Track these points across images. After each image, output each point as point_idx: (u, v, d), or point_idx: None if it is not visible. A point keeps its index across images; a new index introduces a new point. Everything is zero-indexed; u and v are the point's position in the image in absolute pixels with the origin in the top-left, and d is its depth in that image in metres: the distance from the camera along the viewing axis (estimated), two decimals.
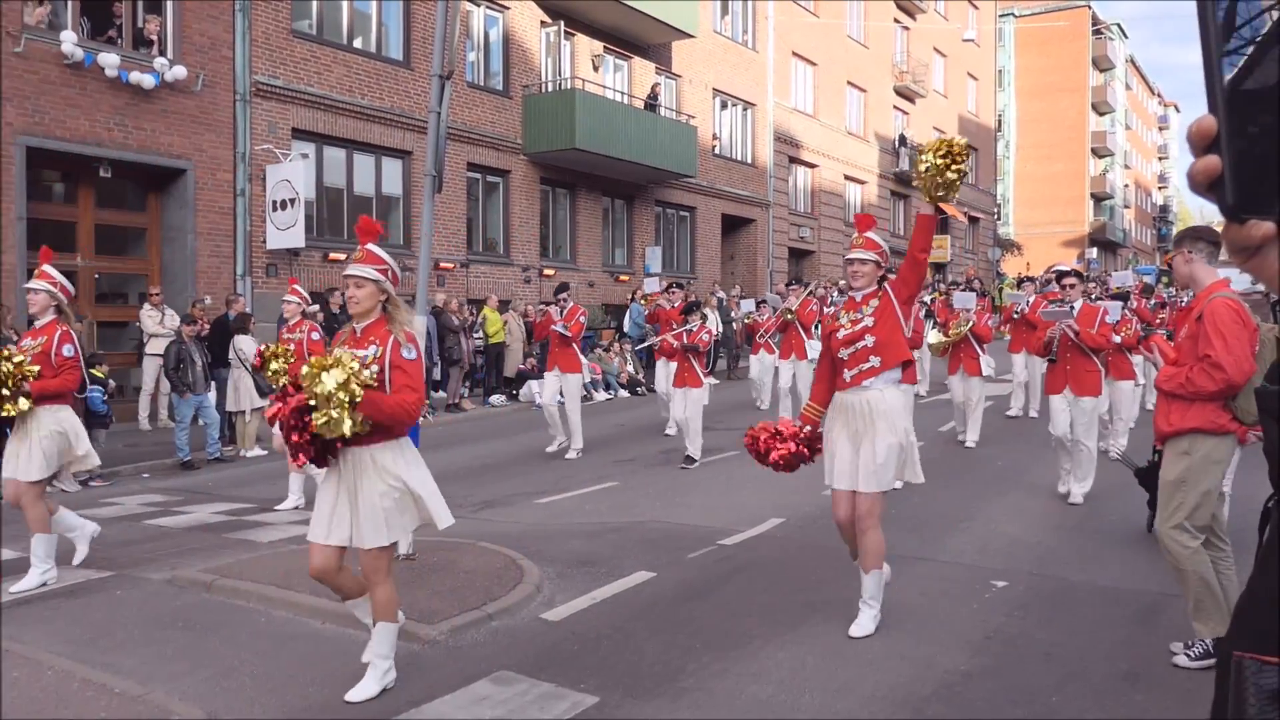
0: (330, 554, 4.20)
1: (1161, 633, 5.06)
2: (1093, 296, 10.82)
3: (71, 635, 5.16)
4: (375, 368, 4.07)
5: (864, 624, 4.93)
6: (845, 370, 4.92)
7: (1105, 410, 9.25)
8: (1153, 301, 14.99)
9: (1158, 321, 12.74)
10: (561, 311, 11.31)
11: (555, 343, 11.28)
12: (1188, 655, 4.47)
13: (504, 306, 17.66)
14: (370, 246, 4.34)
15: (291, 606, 5.49)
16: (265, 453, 11.63)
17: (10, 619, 5.36)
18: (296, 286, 9.17)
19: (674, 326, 10.87)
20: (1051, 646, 4.80)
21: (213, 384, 11.57)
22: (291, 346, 8.04)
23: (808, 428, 5.10)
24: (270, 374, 6.50)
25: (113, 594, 5.97)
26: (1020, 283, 16.29)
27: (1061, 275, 8.84)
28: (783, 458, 5.05)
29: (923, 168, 4.79)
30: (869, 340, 4.84)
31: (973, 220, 42.13)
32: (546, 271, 20.68)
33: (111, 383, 11.48)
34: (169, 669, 4.61)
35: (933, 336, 10.89)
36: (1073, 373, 7.92)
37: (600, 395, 17.03)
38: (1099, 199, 63.26)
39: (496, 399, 16.58)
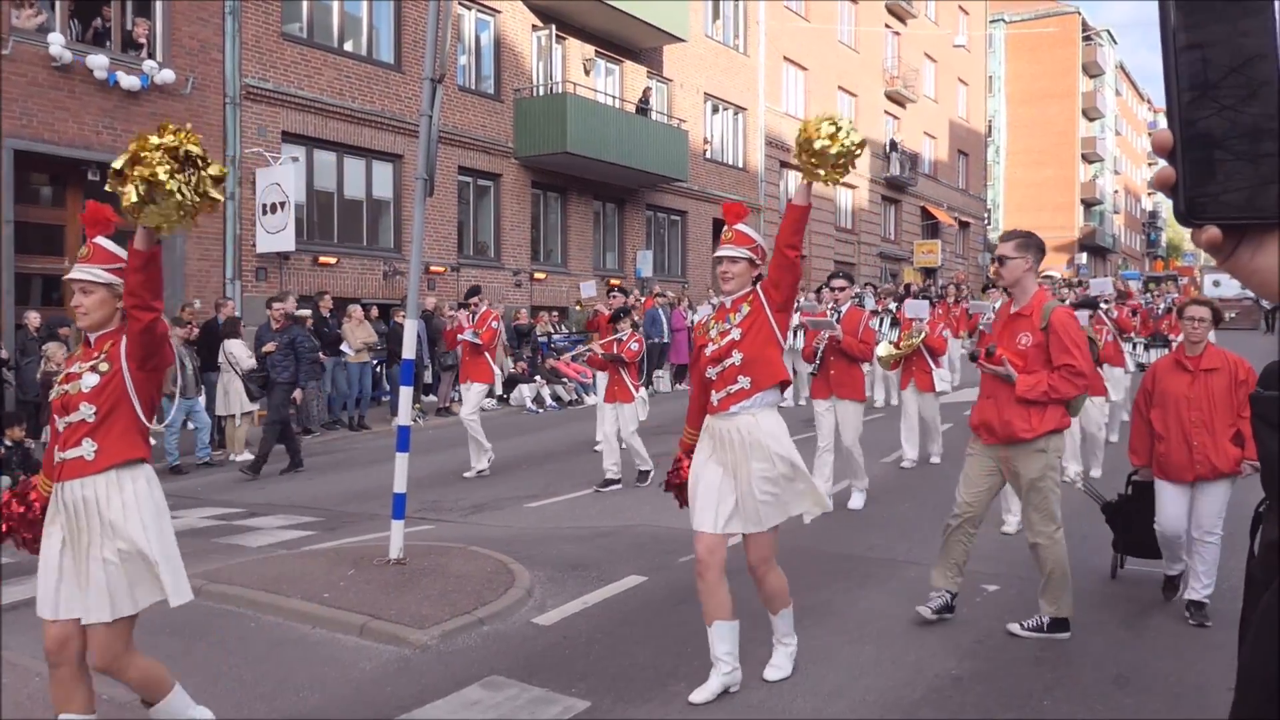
0: (63, 630, 3.36)
1: (1151, 636, 5.09)
2: (1065, 301, 10.52)
3: None
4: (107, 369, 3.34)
5: (782, 665, 4.43)
6: (714, 392, 4.24)
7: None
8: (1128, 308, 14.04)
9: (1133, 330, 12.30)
10: (473, 317, 10.47)
11: (466, 351, 10.36)
12: (1021, 625, 5.01)
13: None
14: (100, 241, 3.48)
15: (281, 611, 5.46)
16: (254, 457, 11.58)
17: None
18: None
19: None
20: (1041, 650, 4.81)
21: (203, 388, 11.53)
22: None
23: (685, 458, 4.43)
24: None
25: None
26: (986, 288, 15.69)
27: (831, 278, 8.65)
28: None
29: (818, 143, 3.97)
30: (735, 358, 4.13)
31: (963, 225, 42.28)
32: (537, 275, 20.66)
33: None
34: None
35: (882, 348, 9.91)
36: (836, 379, 7.87)
37: (590, 399, 17.02)
38: (1089, 204, 63.52)
39: (487, 403, 16.54)
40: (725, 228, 4.45)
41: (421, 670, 4.67)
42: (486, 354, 10.35)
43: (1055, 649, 4.83)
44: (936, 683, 4.44)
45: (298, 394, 11.38)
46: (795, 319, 9.87)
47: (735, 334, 4.19)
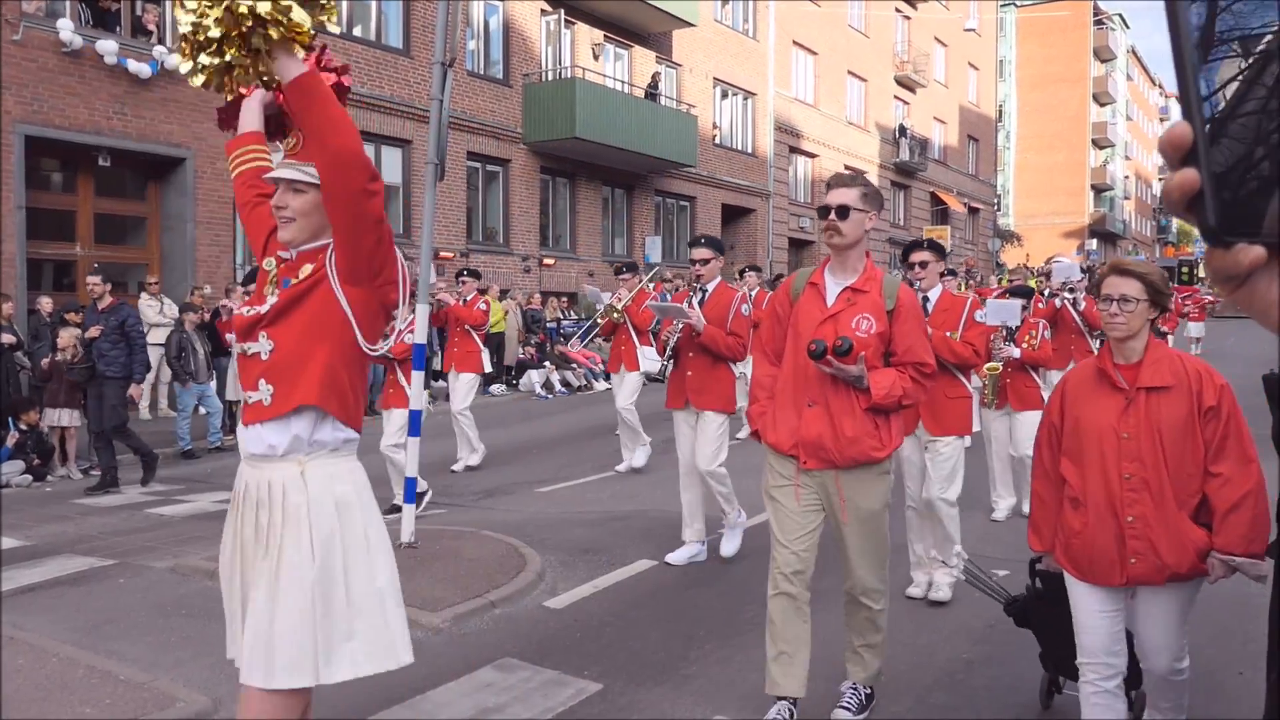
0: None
1: None
2: (1048, 294, 9.23)
3: (75, 623, 5.16)
4: None
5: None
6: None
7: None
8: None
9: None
10: (463, 300, 9.58)
11: (455, 337, 9.58)
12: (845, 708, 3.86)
13: (503, 296, 17.66)
14: None
15: None
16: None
17: (14, 607, 5.36)
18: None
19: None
20: None
21: (214, 373, 11.57)
22: None
23: None
24: None
25: (115, 582, 5.97)
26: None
27: (693, 245, 6.39)
28: None
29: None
30: (265, 345, 2.51)
31: (972, 211, 42.10)
32: (546, 261, 20.67)
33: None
34: (173, 656, 4.62)
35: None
36: (695, 382, 6.14)
37: (600, 385, 17.05)
38: (1099, 190, 63.22)
39: (497, 388, 16.58)
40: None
41: (434, 652, 4.69)
42: (478, 340, 9.63)
43: None
44: (949, 666, 4.45)
45: (135, 390, 9.32)
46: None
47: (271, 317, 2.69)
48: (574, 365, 17.47)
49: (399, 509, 7.24)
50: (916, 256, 5.44)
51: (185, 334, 10.99)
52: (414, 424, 6.35)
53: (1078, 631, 3.20)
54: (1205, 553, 2.99)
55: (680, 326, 6.05)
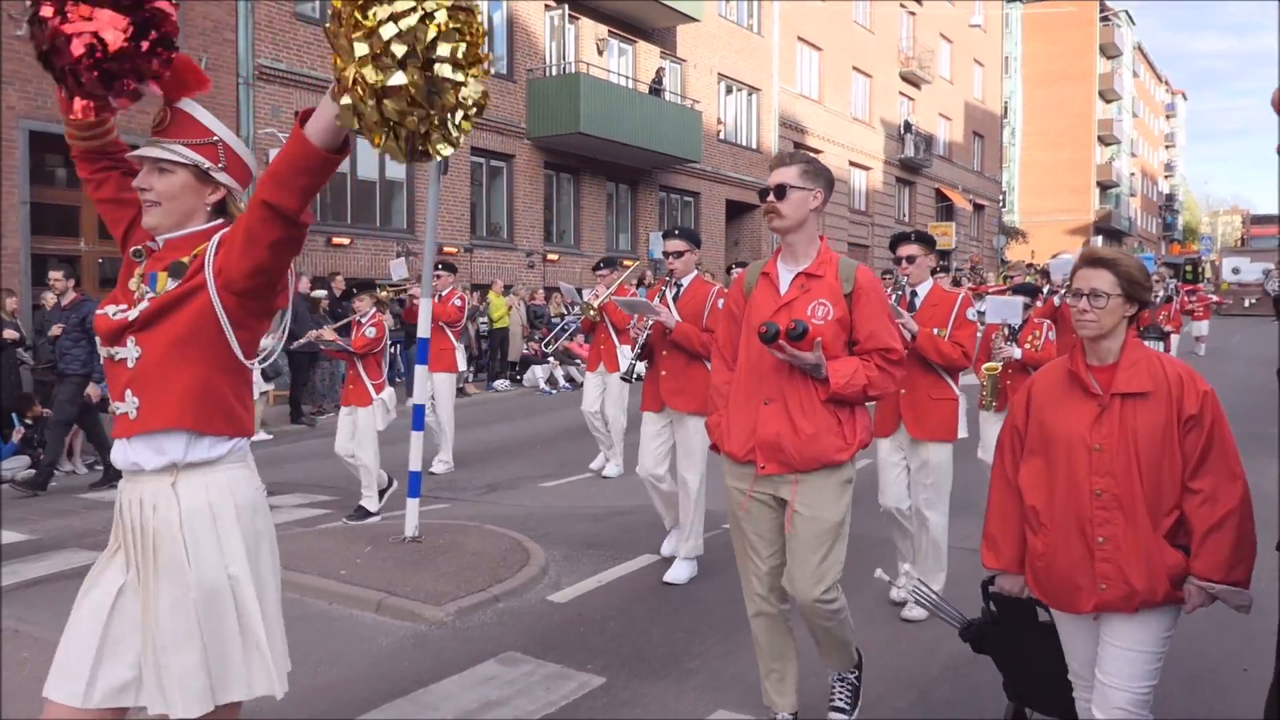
0: None
1: None
2: (1045, 292, 8.75)
3: None
4: None
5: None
6: None
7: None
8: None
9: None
10: (437, 296, 9.13)
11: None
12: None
13: (507, 291, 17.67)
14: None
15: (298, 587, 5.49)
16: (270, 437, 11.66)
17: (19, 600, 5.38)
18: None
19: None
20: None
21: None
22: None
23: None
24: None
25: None
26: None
27: (666, 237, 5.90)
28: None
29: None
30: (132, 351, 2.28)
31: (978, 207, 42.04)
32: (550, 256, 20.67)
33: None
34: None
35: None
36: (669, 384, 5.66)
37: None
38: (1105, 187, 63.07)
39: (501, 384, 16.60)
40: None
41: (438, 646, 4.70)
42: (452, 337, 9.25)
43: None
44: (952, 661, 4.44)
45: (93, 389, 8.90)
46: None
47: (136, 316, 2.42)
48: (577, 361, 17.46)
49: (369, 513, 7.25)
50: (904, 250, 5.06)
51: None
52: (417, 418, 6.35)
53: (1065, 648, 2.97)
54: (1181, 578, 2.69)
55: (651, 324, 5.66)
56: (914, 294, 5.06)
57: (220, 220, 2.40)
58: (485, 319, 16.67)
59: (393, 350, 14.49)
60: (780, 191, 3.35)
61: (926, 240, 5.12)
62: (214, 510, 2.27)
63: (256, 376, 11.67)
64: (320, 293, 13.50)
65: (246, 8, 14.63)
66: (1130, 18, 64.89)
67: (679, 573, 5.70)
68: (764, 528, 3.45)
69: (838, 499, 3.35)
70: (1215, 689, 4.07)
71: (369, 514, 7.26)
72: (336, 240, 16.05)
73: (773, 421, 3.32)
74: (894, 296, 5.00)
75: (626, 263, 11.19)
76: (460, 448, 10.31)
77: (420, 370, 6.46)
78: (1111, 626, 2.76)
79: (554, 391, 16.40)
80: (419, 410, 6.38)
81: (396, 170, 17.61)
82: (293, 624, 5.04)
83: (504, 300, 16.99)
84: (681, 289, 5.72)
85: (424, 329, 6.44)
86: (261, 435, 11.66)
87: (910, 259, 5.02)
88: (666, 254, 5.75)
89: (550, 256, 20.63)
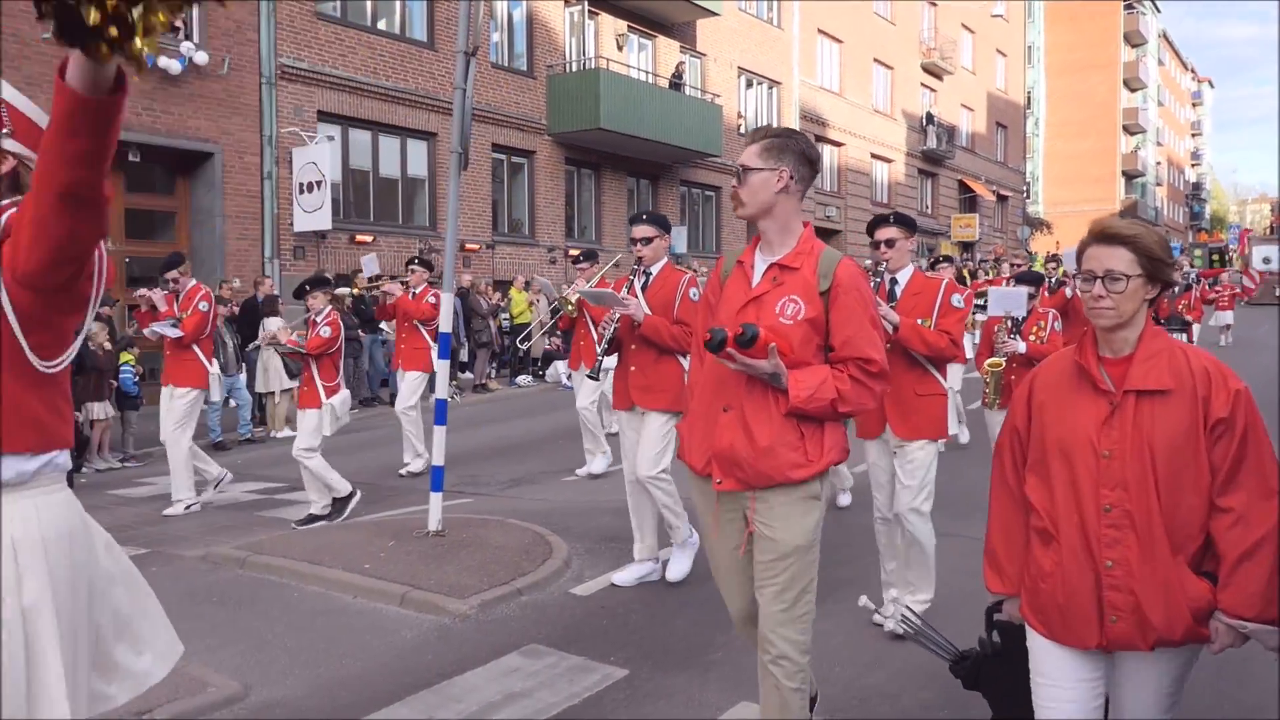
0: None
1: None
2: (1051, 279, 8.49)
3: None
4: None
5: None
6: None
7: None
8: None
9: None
10: (412, 293, 8.93)
11: (401, 334, 9.02)
12: None
13: (527, 286, 17.72)
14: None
15: (323, 582, 5.55)
16: (295, 434, 11.74)
17: None
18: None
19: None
20: None
21: (244, 365, 11.69)
22: None
23: None
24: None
25: (148, 570, 6.01)
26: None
27: (633, 223, 5.64)
28: None
29: None
30: None
31: (1001, 198, 41.71)
32: (572, 252, 20.66)
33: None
34: (204, 642, 4.68)
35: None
36: (638, 379, 5.30)
37: None
38: (1130, 177, 62.42)
39: (523, 379, 16.65)
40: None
41: (461, 639, 4.72)
42: (427, 336, 8.82)
43: None
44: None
45: None
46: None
47: None
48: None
49: (315, 518, 7.15)
50: (882, 233, 4.56)
51: (215, 327, 11.08)
52: (440, 414, 6.38)
53: (1037, 706, 2.42)
54: (1207, 614, 2.24)
55: (618, 316, 5.22)
56: (894, 281, 4.63)
57: (15, 198, 1.98)
58: (507, 315, 16.73)
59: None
60: (741, 175, 2.94)
61: (906, 222, 4.66)
62: (15, 547, 1.91)
63: (282, 375, 11.74)
64: (344, 290, 13.58)
65: (268, 8, 14.73)
66: (1155, 5, 64.15)
67: (677, 568, 5.56)
68: (726, 544, 3.06)
69: (800, 518, 2.89)
70: (1240, 680, 4.03)
71: (317, 518, 7.13)
72: (360, 238, 16.15)
73: (728, 431, 2.90)
74: (873, 284, 4.59)
75: None
76: (483, 443, 10.36)
77: (442, 366, 6.49)
78: (1125, 666, 2.37)
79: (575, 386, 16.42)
80: (441, 404, 6.41)
81: (418, 168, 17.69)
82: (317, 617, 5.12)
83: (524, 296, 17.03)
84: (650, 278, 5.31)
85: (445, 324, 6.47)
86: (287, 431, 11.77)
87: (890, 242, 4.56)
88: (634, 240, 5.32)
89: (572, 252, 20.63)
